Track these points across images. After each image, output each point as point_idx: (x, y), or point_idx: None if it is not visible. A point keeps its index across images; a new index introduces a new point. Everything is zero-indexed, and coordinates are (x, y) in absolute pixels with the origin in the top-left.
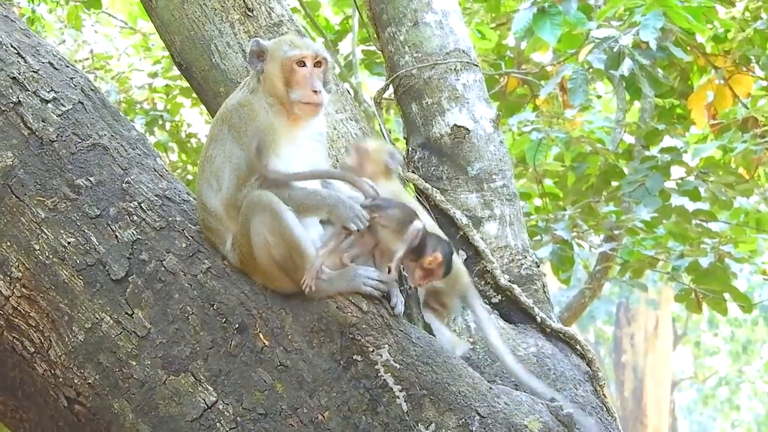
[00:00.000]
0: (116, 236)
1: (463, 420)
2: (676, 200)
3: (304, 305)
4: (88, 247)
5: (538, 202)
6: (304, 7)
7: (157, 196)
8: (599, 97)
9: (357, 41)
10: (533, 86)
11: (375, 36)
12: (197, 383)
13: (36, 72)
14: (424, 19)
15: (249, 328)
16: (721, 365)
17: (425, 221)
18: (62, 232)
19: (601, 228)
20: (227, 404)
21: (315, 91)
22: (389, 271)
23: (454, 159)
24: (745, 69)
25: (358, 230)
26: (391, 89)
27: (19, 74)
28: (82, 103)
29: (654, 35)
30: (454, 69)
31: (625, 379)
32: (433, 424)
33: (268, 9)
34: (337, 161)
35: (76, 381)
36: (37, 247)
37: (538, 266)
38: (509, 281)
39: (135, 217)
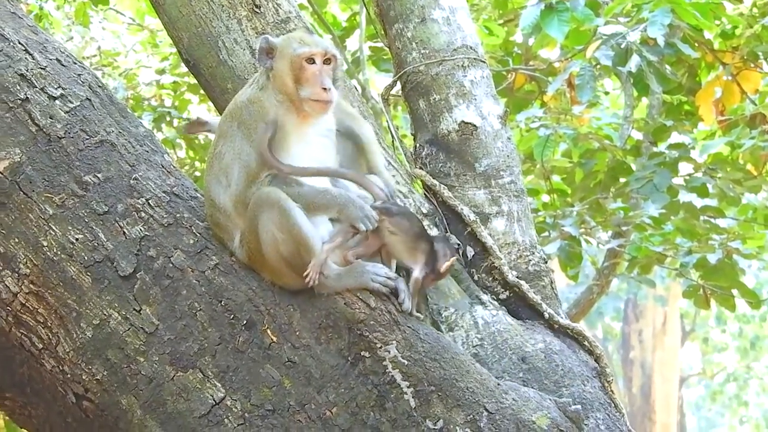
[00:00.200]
0: (124, 233)
1: (471, 416)
2: (684, 196)
3: (312, 301)
4: (96, 244)
5: (545, 198)
6: (312, 3)
7: (164, 192)
8: (607, 93)
9: (364, 38)
10: (541, 83)
11: (382, 32)
12: (205, 379)
13: (44, 69)
14: (432, 16)
15: (257, 324)
16: (729, 361)
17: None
18: (70, 228)
19: (609, 224)
20: (235, 400)
21: (325, 89)
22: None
23: (462, 155)
24: (753, 65)
25: (366, 230)
26: (398, 86)
27: (27, 71)
28: (89, 100)
29: (662, 32)
30: (462, 65)
31: (633, 375)
32: (441, 420)
33: (276, 5)
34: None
35: (84, 377)
36: (45, 244)
37: (546, 262)
38: (517, 277)
39: (143, 214)
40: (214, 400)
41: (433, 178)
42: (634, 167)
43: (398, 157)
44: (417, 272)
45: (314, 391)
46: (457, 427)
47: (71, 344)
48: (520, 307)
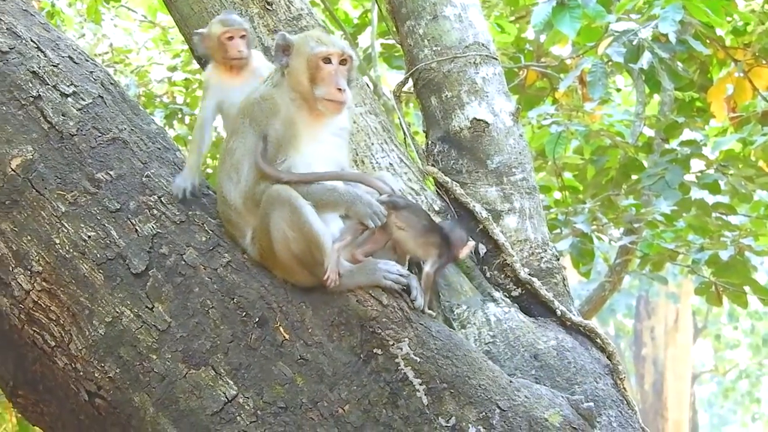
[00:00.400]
0: (136, 230)
1: (484, 413)
2: (695, 193)
3: (324, 299)
4: (108, 241)
5: (557, 195)
6: (324, 0)
7: None
8: (619, 90)
9: (376, 35)
10: (552, 79)
11: (394, 29)
12: (217, 377)
13: (56, 66)
14: (444, 13)
15: (269, 321)
16: (742, 358)
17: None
18: (82, 226)
19: (620, 221)
20: (247, 398)
21: (339, 89)
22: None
23: (474, 152)
24: (764, 62)
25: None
26: (410, 83)
27: (39, 68)
28: (101, 97)
29: (673, 28)
30: (474, 62)
31: (646, 372)
32: (454, 418)
33: (288, 2)
34: (356, 155)
35: (96, 375)
36: (57, 241)
37: (558, 259)
38: (529, 274)
39: (155, 211)
40: (226, 397)
41: (445, 176)
42: (645, 164)
43: (410, 154)
44: (428, 266)
45: (326, 388)
46: (470, 425)
47: (84, 342)
48: (532, 304)
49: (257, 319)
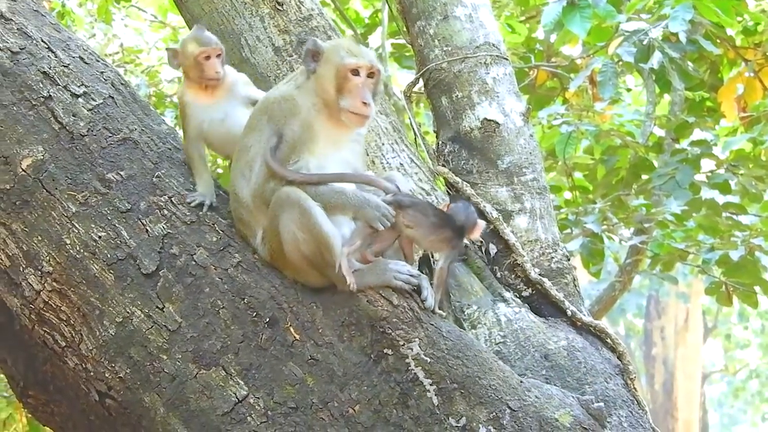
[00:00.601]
0: (147, 230)
1: (494, 413)
2: (706, 193)
3: (335, 299)
4: (118, 241)
5: (568, 195)
6: (334, 0)
7: (187, 190)
8: (629, 90)
9: (386, 34)
10: (563, 79)
11: (405, 29)
12: (228, 377)
13: (66, 66)
14: (454, 13)
15: (279, 321)
16: (752, 358)
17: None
18: (93, 226)
19: (631, 221)
20: (258, 398)
21: (365, 103)
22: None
23: (485, 152)
24: None
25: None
26: (421, 83)
27: (50, 69)
28: (112, 98)
29: (683, 27)
30: (484, 62)
31: (656, 372)
32: (464, 418)
33: (298, 3)
34: (367, 155)
35: (107, 375)
36: (68, 242)
37: (569, 259)
38: (540, 275)
39: (165, 211)
40: (236, 397)
41: (456, 176)
42: (656, 164)
43: (421, 155)
44: (442, 261)
45: (337, 388)
46: (480, 425)
47: (94, 342)
48: (542, 304)
49: (268, 320)
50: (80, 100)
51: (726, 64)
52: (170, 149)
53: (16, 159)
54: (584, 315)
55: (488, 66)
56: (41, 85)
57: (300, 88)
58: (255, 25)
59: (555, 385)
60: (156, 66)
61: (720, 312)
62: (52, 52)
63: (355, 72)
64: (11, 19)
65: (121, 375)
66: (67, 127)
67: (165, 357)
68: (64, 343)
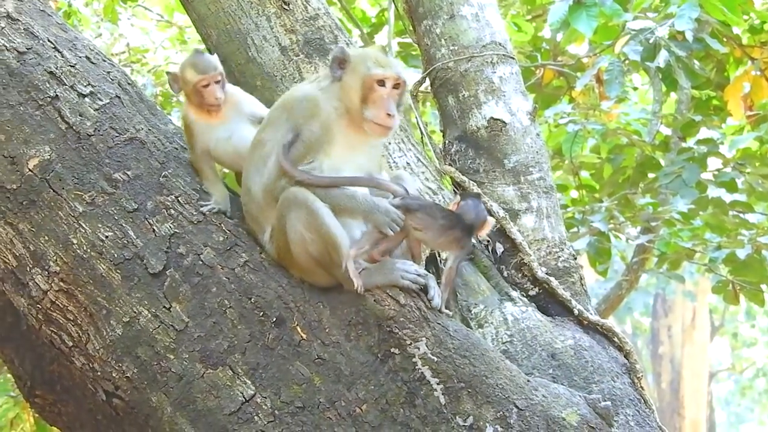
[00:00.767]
0: (154, 230)
1: (501, 413)
2: (712, 191)
3: (342, 298)
4: (125, 241)
5: (574, 194)
6: None
7: (194, 189)
8: (635, 88)
9: (393, 34)
10: (569, 78)
11: (411, 28)
12: (235, 377)
13: (73, 66)
14: (461, 12)
15: (286, 321)
16: (759, 356)
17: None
18: (100, 226)
19: (637, 220)
20: (265, 397)
21: (389, 115)
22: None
23: (491, 152)
24: None
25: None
26: (427, 82)
27: (57, 69)
28: (119, 97)
29: (690, 25)
30: (491, 62)
31: (663, 370)
32: (471, 417)
33: (305, 2)
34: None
35: (114, 375)
36: (74, 241)
37: (575, 258)
38: (546, 274)
39: (172, 211)
40: (244, 397)
41: (463, 175)
42: (662, 162)
43: (427, 154)
44: (451, 261)
45: (344, 388)
46: (487, 424)
47: (101, 342)
48: (549, 303)
49: (274, 319)
50: (87, 99)
51: (732, 63)
52: (177, 149)
53: (23, 159)
54: (591, 314)
55: (495, 65)
56: (48, 85)
57: (324, 91)
58: (261, 25)
59: (562, 384)
60: (162, 66)
61: (727, 310)
62: (59, 52)
63: (381, 83)
64: (18, 19)
65: (128, 375)
66: (74, 127)
67: (172, 356)
68: (71, 343)
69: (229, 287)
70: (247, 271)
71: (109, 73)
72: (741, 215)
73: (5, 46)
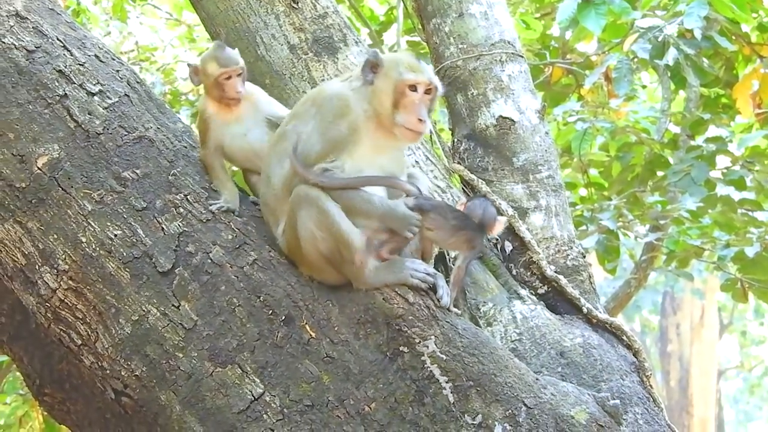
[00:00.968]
0: (163, 228)
1: (510, 411)
2: (721, 190)
3: (351, 297)
4: (134, 240)
5: (583, 192)
6: None
7: (203, 188)
8: (644, 86)
9: (402, 32)
10: (578, 76)
11: (420, 27)
12: (244, 375)
13: (82, 65)
14: (469, 10)
15: (295, 319)
16: (767, 354)
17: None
18: (109, 224)
19: (646, 218)
20: (274, 396)
21: (420, 120)
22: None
23: (500, 150)
24: None
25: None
26: None
27: (66, 67)
28: (128, 96)
29: (698, 24)
30: (500, 60)
31: (671, 368)
32: (480, 415)
33: (313, 1)
34: None
35: (123, 373)
36: (83, 240)
37: (584, 257)
38: (555, 272)
39: (181, 210)
40: (252, 395)
41: (471, 173)
42: (671, 160)
43: (436, 152)
44: (460, 260)
45: (353, 386)
46: (496, 422)
47: (110, 340)
48: (558, 301)
49: (283, 318)
50: (96, 98)
51: (741, 61)
52: (186, 147)
53: (32, 157)
54: (600, 312)
55: (504, 63)
56: (57, 84)
57: (355, 91)
58: (270, 23)
59: (571, 382)
60: (171, 64)
61: (735, 308)
62: (68, 50)
63: (413, 88)
64: (27, 18)
65: (137, 373)
66: (83, 126)
67: (181, 355)
68: (80, 342)
69: (238, 286)
70: (256, 270)
71: (118, 71)
72: (750, 213)
73: (14, 45)
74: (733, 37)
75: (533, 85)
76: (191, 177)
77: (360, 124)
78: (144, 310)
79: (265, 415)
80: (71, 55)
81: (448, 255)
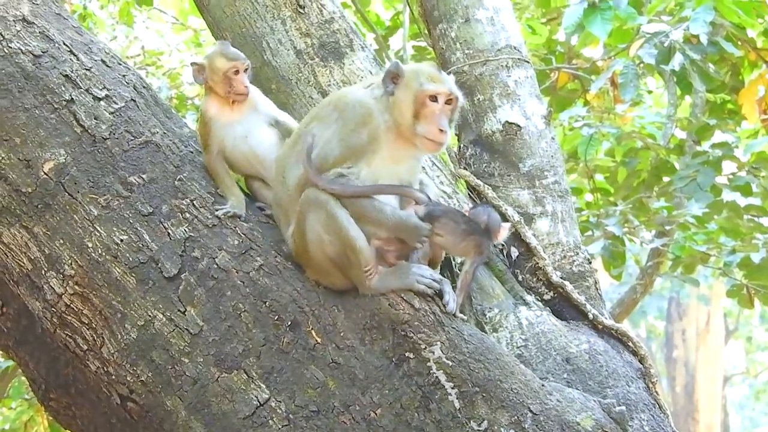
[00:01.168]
0: (169, 234)
1: (516, 417)
2: (727, 195)
3: (357, 302)
4: (140, 245)
5: (589, 197)
6: (355, 2)
7: (209, 193)
8: (650, 92)
9: (408, 37)
10: (584, 81)
11: (426, 32)
12: (250, 380)
13: (88, 70)
14: (476, 16)
15: (301, 325)
16: None
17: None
18: (115, 229)
19: (652, 223)
20: (279, 401)
21: (441, 130)
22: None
23: (506, 155)
24: None
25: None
26: None
27: (72, 72)
28: (134, 101)
29: (704, 29)
30: (506, 65)
31: (677, 374)
32: (486, 422)
33: (320, 6)
34: None
35: (128, 378)
36: (89, 245)
37: (590, 263)
38: (561, 278)
39: (187, 215)
40: (258, 401)
41: (478, 179)
42: (677, 166)
43: (442, 157)
44: (468, 266)
45: (358, 392)
46: (502, 428)
47: (116, 345)
48: (564, 307)
49: (289, 323)
50: (102, 103)
51: (747, 66)
52: (192, 152)
53: (38, 162)
54: (606, 318)
55: (510, 69)
56: (63, 89)
57: (377, 101)
58: (276, 28)
59: (576, 388)
60: (177, 68)
61: (741, 314)
62: (74, 55)
63: (434, 98)
64: (33, 23)
65: (142, 378)
66: (89, 131)
67: (187, 360)
68: (85, 347)
69: (244, 291)
70: (262, 275)
71: (124, 76)
72: (756, 219)
73: (21, 50)
74: (739, 43)
75: (539, 89)
76: (197, 182)
77: (381, 133)
78: (150, 316)
79: (270, 421)
80: (78, 60)
81: (454, 260)
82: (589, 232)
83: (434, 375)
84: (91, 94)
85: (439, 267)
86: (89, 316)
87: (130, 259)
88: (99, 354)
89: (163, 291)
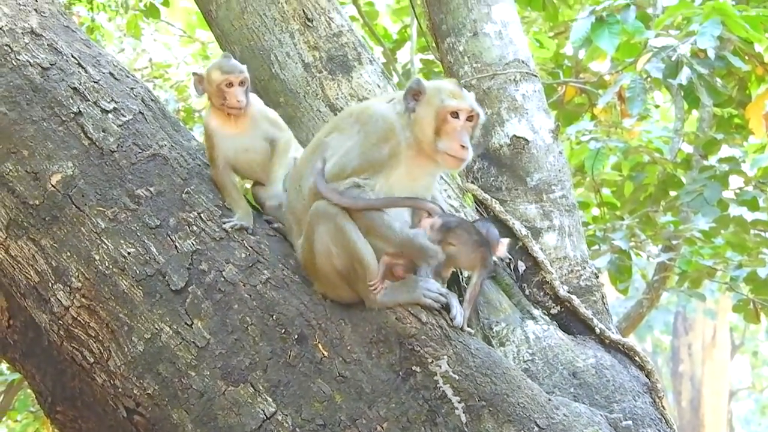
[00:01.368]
0: (176, 246)
1: (522, 431)
2: (734, 210)
3: (364, 316)
4: (147, 258)
5: (596, 211)
6: (363, 16)
7: (216, 206)
8: (657, 106)
9: (415, 50)
10: (591, 95)
11: (434, 45)
12: (256, 394)
13: (96, 82)
14: (484, 30)
15: (308, 338)
16: None
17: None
18: (122, 242)
19: (659, 238)
20: (286, 415)
21: (463, 146)
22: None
23: (514, 169)
24: None
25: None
26: None
27: (80, 84)
28: (142, 113)
29: (712, 43)
30: (514, 79)
31: (683, 388)
32: None
33: (328, 19)
34: None
35: (135, 391)
36: (97, 258)
37: (597, 277)
38: (568, 292)
39: (195, 228)
40: (265, 414)
41: (485, 192)
42: (684, 180)
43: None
44: (476, 277)
45: (365, 405)
46: None
47: (122, 358)
48: (571, 321)
49: (296, 336)
50: (110, 115)
51: (754, 81)
52: (200, 165)
53: (46, 175)
54: (612, 332)
55: (518, 83)
56: (71, 101)
57: (399, 116)
58: (285, 41)
59: (583, 403)
60: (185, 81)
61: (747, 329)
62: (83, 67)
63: (455, 115)
64: (42, 35)
65: (149, 391)
66: (97, 143)
67: (193, 373)
68: (92, 359)
69: (251, 304)
70: (269, 288)
71: (132, 89)
72: (762, 234)
73: (29, 62)
74: (747, 57)
75: (546, 103)
76: (205, 195)
77: (401, 150)
78: (157, 329)
79: None
80: (86, 73)
81: (461, 274)
82: (596, 246)
83: (441, 389)
84: (99, 106)
85: (446, 281)
86: (96, 329)
87: (138, 271)
88: (106, 367)
89: (170, 304)
